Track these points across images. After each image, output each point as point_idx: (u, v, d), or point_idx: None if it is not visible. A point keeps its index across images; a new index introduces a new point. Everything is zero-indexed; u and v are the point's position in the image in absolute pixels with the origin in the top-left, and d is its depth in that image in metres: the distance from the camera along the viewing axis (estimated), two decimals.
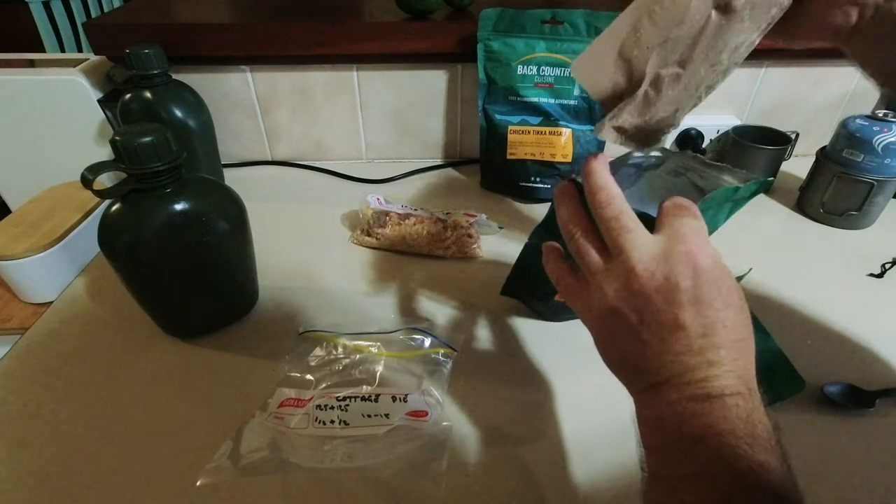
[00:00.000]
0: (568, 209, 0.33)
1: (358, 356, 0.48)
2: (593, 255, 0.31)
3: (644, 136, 0.33)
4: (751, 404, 0.26)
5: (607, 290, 0.29)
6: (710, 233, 0.41)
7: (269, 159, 0.85)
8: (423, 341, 0.49)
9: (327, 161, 0.84)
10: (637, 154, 0.39)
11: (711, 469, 0.24)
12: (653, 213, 0.31)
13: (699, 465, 0.25)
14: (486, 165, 0.78)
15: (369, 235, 0.64)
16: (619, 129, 0.32)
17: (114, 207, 0.44)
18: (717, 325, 0.27)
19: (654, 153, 0.40)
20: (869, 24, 0.29)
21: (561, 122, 0.71)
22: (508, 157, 0.73)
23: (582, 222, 0.32)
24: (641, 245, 0.28)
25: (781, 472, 0.24)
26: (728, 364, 0.26)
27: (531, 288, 0.51)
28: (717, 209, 0.38)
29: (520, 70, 0.70)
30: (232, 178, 0.79)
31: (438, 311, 0.55)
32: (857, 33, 0.30)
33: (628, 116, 0.31)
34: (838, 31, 0.30)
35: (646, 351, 0.28)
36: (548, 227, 0.43)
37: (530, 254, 0.48)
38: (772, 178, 0.38)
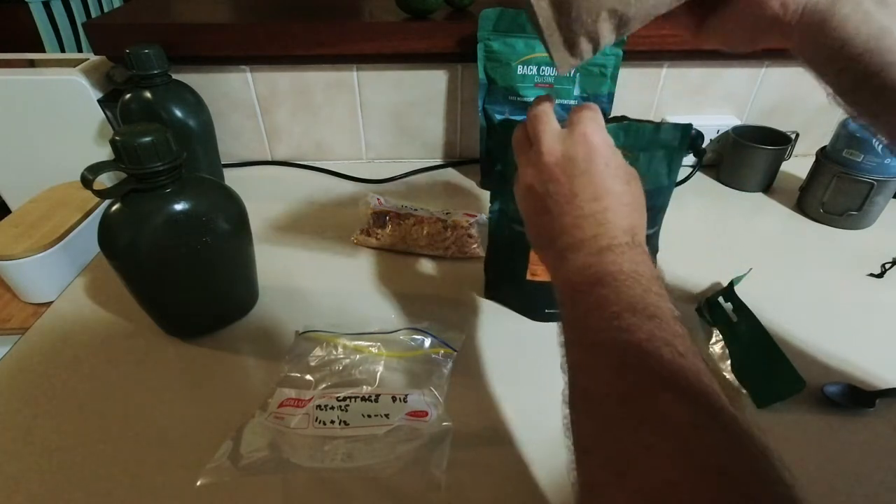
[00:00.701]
0: (517, 131, 0.38)
1: (358, 356, 0.48)
2: (522, 148, 0.36)
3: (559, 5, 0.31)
4: (634, 252, 0.31)
5: (527, 172, 0.35)
6: (659, 184, 0.45)
7: (269, 159, 0.85)
8: (423, 341, 0.49)
9: (327, 161, 0.84)
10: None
11: (607, 301, 0.28)
12: None
13: (597, 300, 0.29)
14: (486, 165, 0.78)
15: (369, 235, 0.64)
16: None
17: (114, 207, 0.44)
18: (606, 192, 0.32)
19: None
20: (799, 15, 0.29)
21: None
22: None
23: (523, 136, 0.37)
24: (550, 132, 0.34)
25: (662, 296, 0.29)
26: (615, 223, 0.32)
27: (503, 263, 0.53)
28: (647, 154, 0.43)
29: (520, 70, 0.70)
30: (232, 178, 0.79)
31: (438, 311, 0.55)
32: (794, 27, 0.29)
33: None
34: (776, 21, 0.30)
35: (552, 220, 0.33)
36: (500, 187, 0.49)
37: (494, 223, 0.52)
38: (690, 123, 0.41)
